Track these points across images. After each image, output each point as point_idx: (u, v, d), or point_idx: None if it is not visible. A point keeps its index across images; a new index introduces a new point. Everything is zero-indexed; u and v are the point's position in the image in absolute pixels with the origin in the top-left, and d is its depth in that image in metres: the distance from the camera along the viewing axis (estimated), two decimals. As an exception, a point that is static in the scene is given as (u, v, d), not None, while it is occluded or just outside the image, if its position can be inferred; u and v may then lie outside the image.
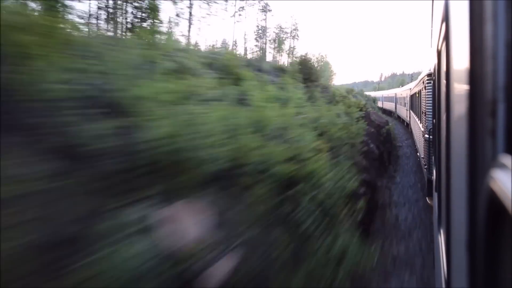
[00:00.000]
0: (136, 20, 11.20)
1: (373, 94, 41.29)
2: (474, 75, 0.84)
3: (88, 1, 10.72)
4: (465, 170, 0.96)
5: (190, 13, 20.98)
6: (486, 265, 0.67)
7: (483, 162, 0.74)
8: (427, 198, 6.08)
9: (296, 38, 42.66)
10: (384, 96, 36.44)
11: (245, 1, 35.49)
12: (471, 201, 0.88)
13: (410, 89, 16.13)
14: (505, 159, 0.58)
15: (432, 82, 6.61)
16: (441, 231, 2.11)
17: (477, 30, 0.79)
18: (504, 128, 0.61)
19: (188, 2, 20.80)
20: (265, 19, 39.28)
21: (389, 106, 32.37)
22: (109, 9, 11.28)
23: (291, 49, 41.73)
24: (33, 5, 4.61)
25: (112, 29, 11.02)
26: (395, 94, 28.80)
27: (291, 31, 42.35)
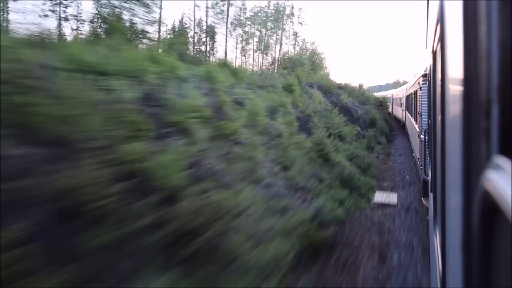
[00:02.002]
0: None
1: (376, 94, 39.74)
2: (469, 76, 0.84)
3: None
4: (459, 171, 0.96)
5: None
6: (480, 265, 0.67)
7: (477, 163, 0.74)
8: (422, 198, 6.10)
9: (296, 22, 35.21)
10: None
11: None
12: (466, 202, 0.89)
13: (406, 89, 16.21)
14: (499, 160, 0.58)
15: (427, 83, 6.65)
16: (436, 231, 2.11)
17: (471, 30, 0.79)
18: (498, 129, 0.60)
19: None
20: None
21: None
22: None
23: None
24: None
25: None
26: (392, 94, 28.96)
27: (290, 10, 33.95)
